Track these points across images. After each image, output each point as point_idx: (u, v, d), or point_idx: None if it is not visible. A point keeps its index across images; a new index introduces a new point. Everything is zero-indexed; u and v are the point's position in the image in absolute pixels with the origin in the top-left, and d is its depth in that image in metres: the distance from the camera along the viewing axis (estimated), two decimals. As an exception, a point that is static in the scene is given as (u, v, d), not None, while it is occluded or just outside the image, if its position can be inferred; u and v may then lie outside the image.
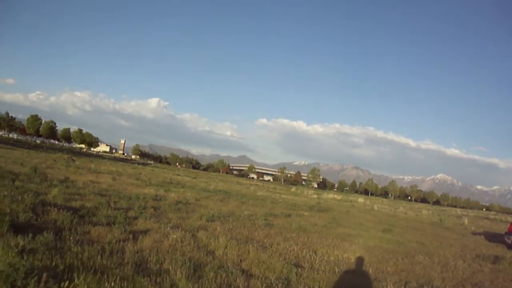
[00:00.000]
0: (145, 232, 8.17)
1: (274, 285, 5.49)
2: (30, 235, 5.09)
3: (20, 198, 7.97)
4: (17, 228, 5.60)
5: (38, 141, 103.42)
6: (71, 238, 6.41)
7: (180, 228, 8.97)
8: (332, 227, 14.45)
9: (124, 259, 5.76)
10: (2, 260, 4.15)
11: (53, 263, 4.62)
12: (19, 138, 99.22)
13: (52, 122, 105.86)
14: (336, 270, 7.19)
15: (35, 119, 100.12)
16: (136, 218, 9.84)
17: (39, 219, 6.85)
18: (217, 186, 34.53)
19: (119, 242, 6.91)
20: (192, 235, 8.39)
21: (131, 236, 7.50)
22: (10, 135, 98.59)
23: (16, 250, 4.39)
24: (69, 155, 45.56)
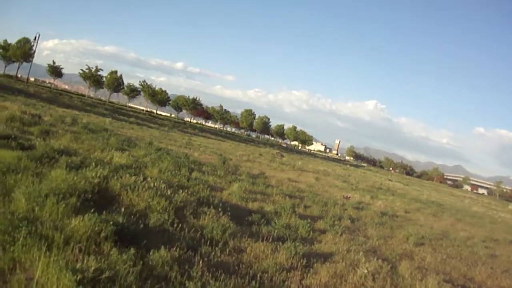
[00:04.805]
0: (326, 257, 6.11)
1: None
2: (132, 249, 3.38)
3: (168, 193, 6.68)
4: (130, 235, 4.17)
5: (253, 136, 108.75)
6: (206, 259, 4.57)
7: (376, 254, 6.92)
8: None
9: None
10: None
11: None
12: (234, 131, 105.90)
13: (266, 117, 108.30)
14: None
15: (248, 113, 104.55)
16: (324, 232, 8.08)
17: (177, 225, 5.40)
18: (430, 196, 32.28)
19: (280, 271, 4.93)
20: (391, 268, 6.09)
21: (303, 261, 5.44)
22: (225, 127, 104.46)
23: (80, 276, 2.65)
24: (278, 151, 49.00)
